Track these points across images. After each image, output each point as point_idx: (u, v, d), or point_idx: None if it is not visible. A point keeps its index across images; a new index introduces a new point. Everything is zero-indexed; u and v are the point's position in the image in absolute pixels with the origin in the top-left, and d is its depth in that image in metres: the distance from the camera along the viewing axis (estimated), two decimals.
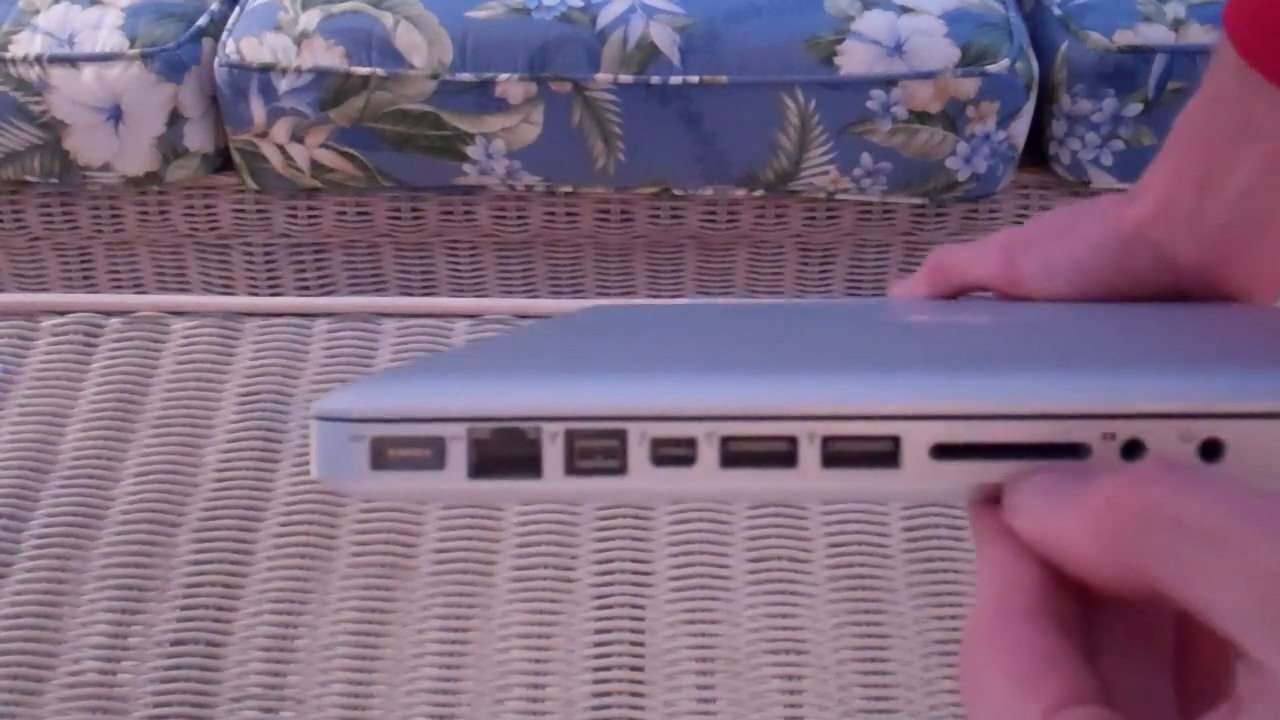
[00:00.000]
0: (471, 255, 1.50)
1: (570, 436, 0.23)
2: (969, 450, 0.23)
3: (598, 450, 0.23)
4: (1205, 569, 0.20)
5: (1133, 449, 0.23)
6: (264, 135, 1.37)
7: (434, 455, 0.23)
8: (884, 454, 0.23)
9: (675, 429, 0.23)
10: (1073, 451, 0.23)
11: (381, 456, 0.23)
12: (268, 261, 1.50)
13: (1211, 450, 0.23)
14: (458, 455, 0.23)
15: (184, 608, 0.56)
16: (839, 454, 0.23)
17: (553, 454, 0.23)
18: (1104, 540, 0.22)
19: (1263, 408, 0.22)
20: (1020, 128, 1.37)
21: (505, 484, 0.23)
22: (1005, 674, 0.22)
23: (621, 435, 0.23)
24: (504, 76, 1.34)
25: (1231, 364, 0.24)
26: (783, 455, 0.23)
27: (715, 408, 0.23)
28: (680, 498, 0.24)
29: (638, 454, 0.23)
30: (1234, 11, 0.38)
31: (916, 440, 0.23)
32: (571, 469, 0.23)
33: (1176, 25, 1.35)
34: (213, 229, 1.48)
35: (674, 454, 0.23)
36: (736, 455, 0.23)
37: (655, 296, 1.51)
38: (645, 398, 0.23)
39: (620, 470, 0.23)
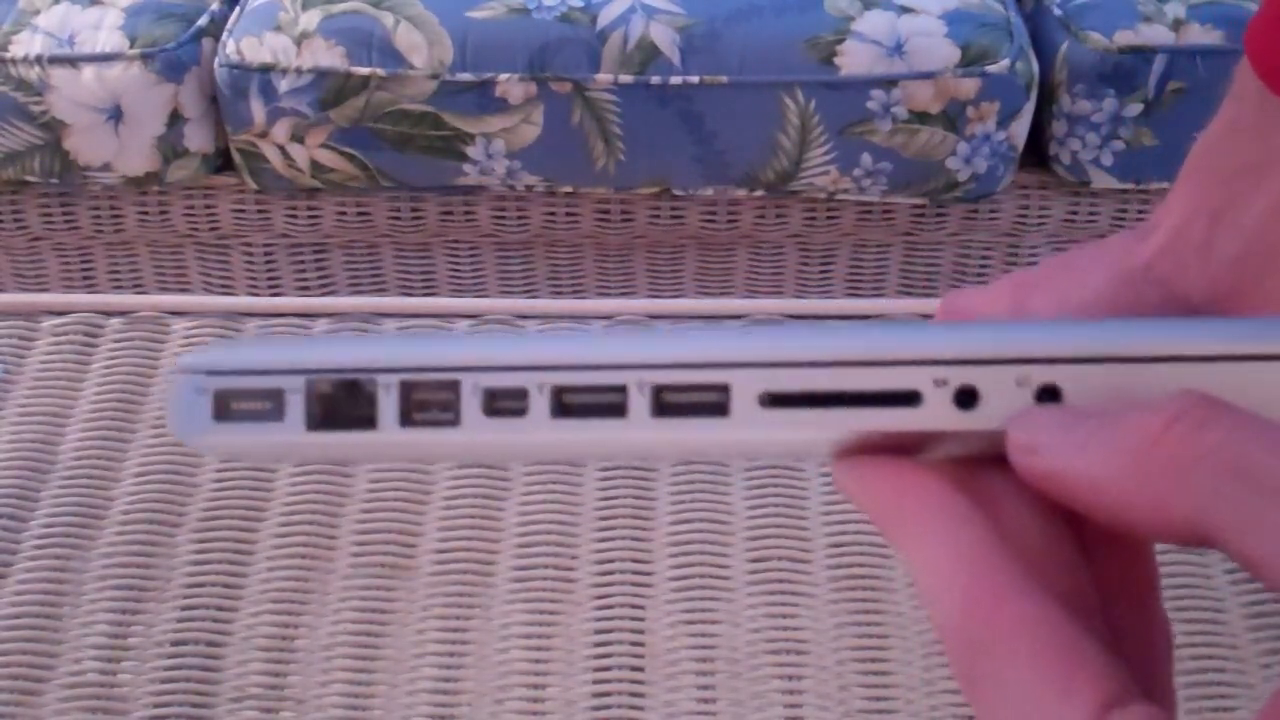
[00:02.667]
0: (471, 255, 1.50)
1: (405, 388, 0.23)
2: (798, 399, 0.23)
3: (432, 402, 0.23)
4: (1272, 521, 0.19)
5: (966, 396, 0.22)
6: (264, 135, 1.37)
7: (273, 407, 0.23)
8: (713, 404, 0.23)
9: (507, 379, 0.23)
10: (905, 400, 0.23)
11: (224, 408, 0.24)
12: (268, 262, 1.50)
13: (1048, 397, 0.22)
14: (296, 407, 0.23)
15: (184, 608, 0.56)
16: (669, 403, 0.23)
17: (388, 405, 0.23)
18: (1148, 482, 0.21)
19: (1097, 351, 0.22)
20: (1020, 128, 1.37)
21: (342, 436, 0.23)
22: (1031, 669, 0.21)
23: (455, 386, 0.23)
24: (504, 76, 1.34)
25: (1078, 320, 0.24)
26: (613, 406, 0.23)
27: (547, 358, 0.23)
28: (515, 452, 0.24)
29: (471, 405, 0.23)
30: (1256, 35, 0.38)
31: (745, 388, 0.23)
32: (407, 421, 0.23)
33: (1176, 25, 1.35)
34: (213, 229, 1.48)
35: (506, 405, 0.23)
36: (567, 406, 0.23)
37: (655, 296, 1.51)
38: (479, 350, 0.23)
39: (454, 422, 0.23)
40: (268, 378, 0.24)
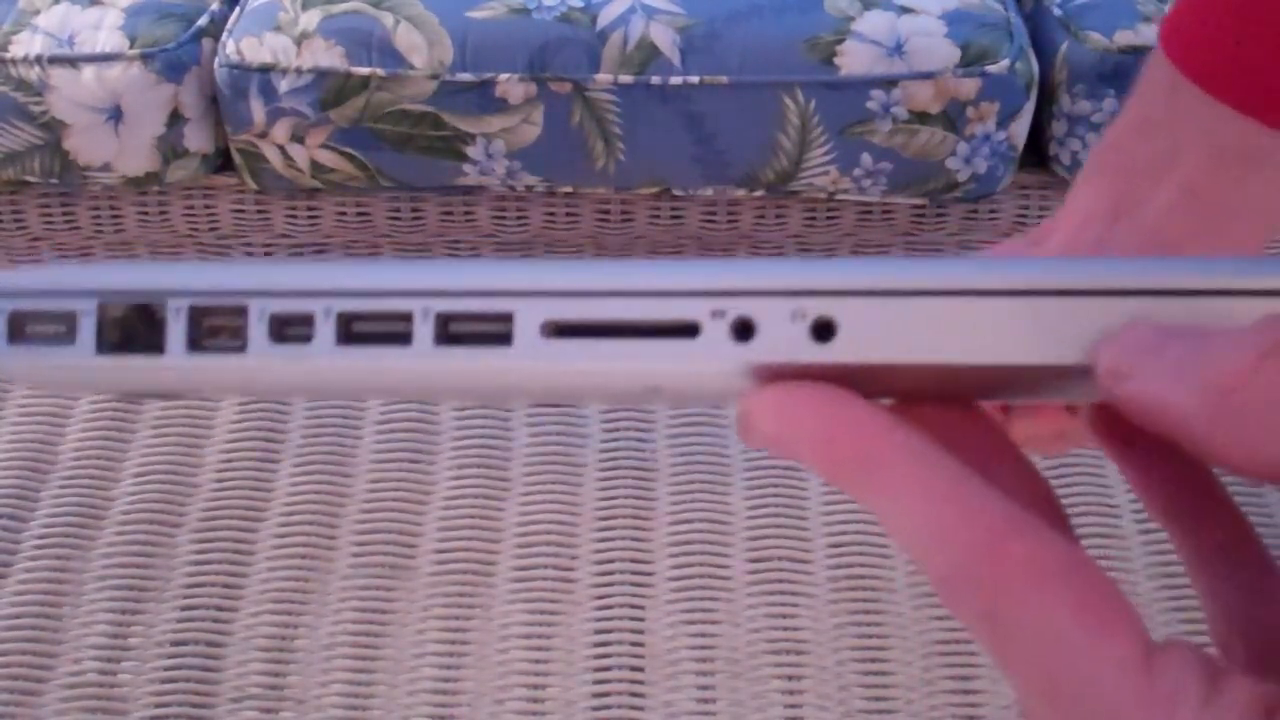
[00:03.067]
0: (471, 255, 1.50)
1: (194, 313, 0.23)
2: (579, 329, 0.22)
3: (220, 328, 0.23)
4: None
5: (743, 328, 0.22)
6: (264, 135, 1.37)
7: (65, 330, 0.23)
8: (497, 333, 0.23)
9: (294, 304, 0.23)
10: (683, 331, 0.22)
11: (18, 330, 0.24)
12: None
13: (824, 330, 0.22)
14: (87, 330, 0.23)
15: (184, 608, 0.56)
16: (453, 332, 0.23)
17: (176, 330, 0.23)
18: (1239, 422, 0.20)
19: (873, 284, 0.22)
20: (1020, 128, 1.37)
21: (130, 360, 0.23)
22: (1062, 607, 0.20)
23: (242, 311, 0.23)
24: (504, 76, 1.34)
25: (861, 259, 0.24)
26: (398, 334, 0.23)
27: (333, 285, 0.23)
28: (301, 380, 0.24)
29: (257, 330, 0.23)
30: (1171, 24, 0.38)
31: (528, 317, 0.22)
32: (195, 346, 0.23)
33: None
34: (213, 229, 1.48)
35: (293, 331, 0.23)
36: (353, 333, 0.23)
37: None
38: (267, 276, 0.23)
39: (241, 348, 0.23)
40: (62, 299, 0.23)
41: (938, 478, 0.22)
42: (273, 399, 0.59)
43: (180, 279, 0.23)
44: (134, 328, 0.23)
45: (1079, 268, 0.22)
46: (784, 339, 0.22)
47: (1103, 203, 0.38)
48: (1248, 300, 0.22)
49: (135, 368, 0.23)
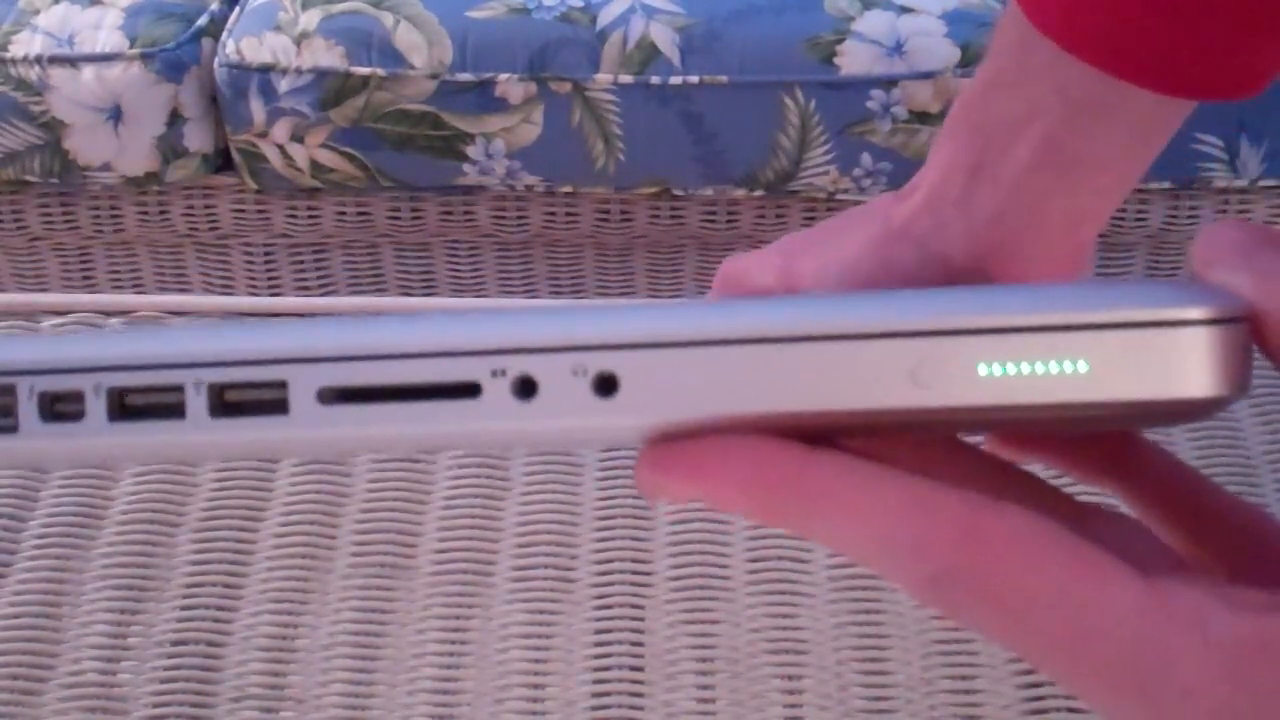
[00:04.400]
0: (471, 255, 1.50)
1: None
2: (357, 394, 0.22)
3: None
4: None
5: (525, 386, 0.21)
6: (264, 135, 1.37)
7: None
8: (272, 401, 0.22)
9: (62, 381, 0.22)
10: (465, 391, 0.21)
11: None
12: (268, 262, 1.50)
13: (606, 385, 0.21)
14: None
15: (184, 608, 0.56)
16: (227, 402, 0.22)
17: None
18: None
19: (653, 337, 0.21)
20: None
21: None
22: (1058, 568, 0.20)
23: (11, 390, 0.22)
24: (504, 76, 1.34)
25: (632, 307, 0.23)
26: (172, 406, 0.22)
27: (103, 357, 0.22)
28: (77, 457, 0.23)
29: (27, 409, 0.22)
30: None
31: (303, 384, 0.22)
32: None
33: None
34: (213, 229, 1.48)
35: (64, 409, 0.22)
36: (125, 408, 0.22)
37: (655, 296, 1.51)
38: (37, 351, 0.22)
39: (14, 428, 0.22)
40: None
41: (885, 489, 0.21)
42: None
43: None
44: None
45: (853, 308, 0.21)
46: (567, 397, 0.21)
47: (962, 158, 0.38)
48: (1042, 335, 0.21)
49: None
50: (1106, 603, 0.20)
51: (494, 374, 0.21)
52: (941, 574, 0.21)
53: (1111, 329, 0.21)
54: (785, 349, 0.21)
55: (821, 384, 0.21)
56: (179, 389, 0.22)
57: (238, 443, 0.22)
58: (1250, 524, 0.25)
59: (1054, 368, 0.21)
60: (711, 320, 0.21)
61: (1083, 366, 0.21)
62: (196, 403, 0.22)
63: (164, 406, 0.22)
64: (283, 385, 0.22)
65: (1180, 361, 0.21)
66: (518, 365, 0.21)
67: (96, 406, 0.22)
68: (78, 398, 0.22)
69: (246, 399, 0.22)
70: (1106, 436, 0.26)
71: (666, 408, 0.21)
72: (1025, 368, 0.21)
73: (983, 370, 0.21)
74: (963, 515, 0.21)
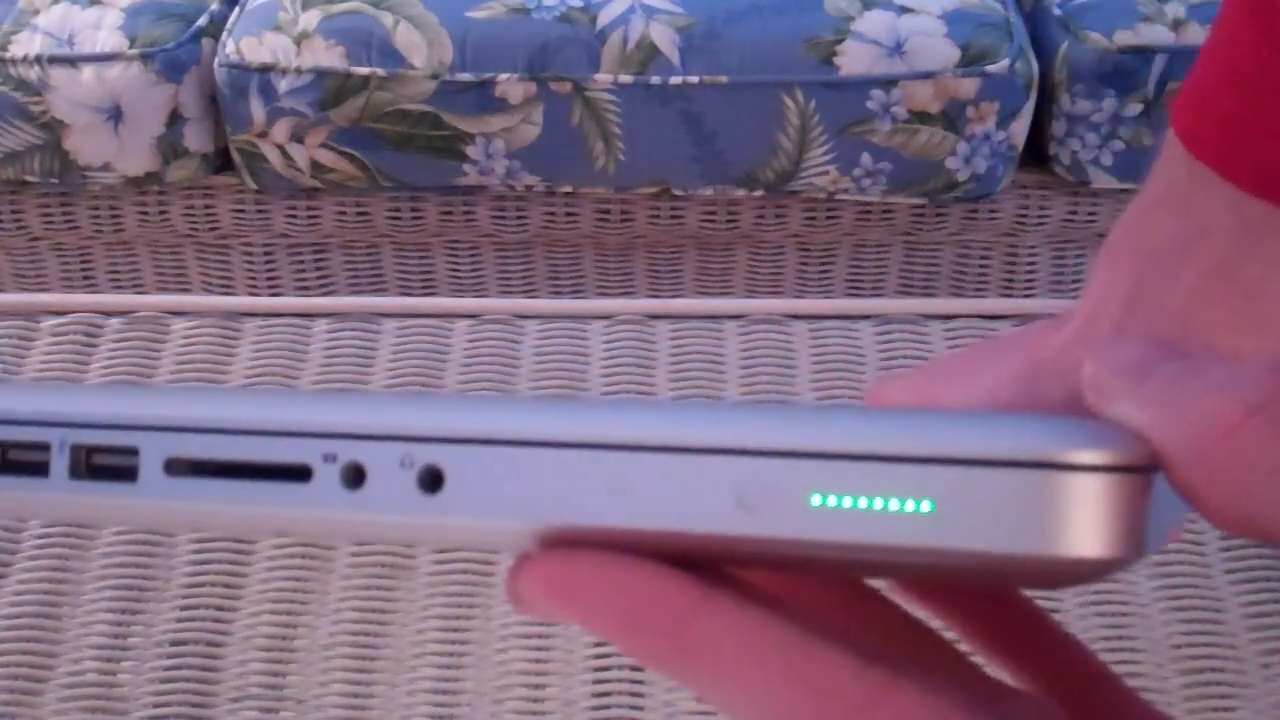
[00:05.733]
0: (471, 255, 1.50)
1: None
2: (199, 467, 0.21)
3: None
4: None
5: (354, 474, 0.20)
6: (264, 135, 1.37)
7: None
8: (124, 467, 0.21)
9: None
10: (296, 474, 0.21)
11: None
12: (267, 262, 1.50)
13: (432, 478, 0.20)
14: None
15: (184, 608, 0.56)
16: (86, 465, 0.22)
17: None
18: (1216, 472, 0.18)
19: (480, 433, 0.20)
20: (1020, 128, 1.37)
21: None
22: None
23: None
24: (504, 76, 1.34)
25: (468, 399, 0.22)
26: (38, 464, 0.22)
27: None
28: None
29: None
30: (1181, 106, 0.36)
31: (153, 452, 0.21)
32: None
33: (1176, 25, 1.35)
34: (212, 229, 1.48)
35: None
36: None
37: (655, 296, 1.51)
38: None
39: None
40: None
41: (771, 650, 0.19)
42: None
43: None
44: None
45: (683, 418, 0.20)
46: (393, 489, 0.20)
47: (1121, 283, 0.36)
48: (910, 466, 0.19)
49: None
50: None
51: (325, 458, 0.21)
52: None
53: (960, 465, 0.18)
54: (608, 457, 0.20)
55: (644, 500, 0.19)
56: (45, 447, 0.22)
57: (92, 505, 0.22)
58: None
59: (894, 505, 0.18)
60: (540, 419, 0.20)
61: (927, 507, 0.18)
62: (59, 463, 0.22)
63: (32, 464, 0.22)
64: (134, 452, 0.21)
65: (1046, 511, 0.18)
66: (349, 451, 0.20)
67: None
68: None
69: (101, 462, 0.22)
70: (1009, 606, 0.24)
71: (490, 509, 0.20)
72: (862, 502, 0.19)
73: (815, 501, 0.19)
74: (853, 697, 0.19)
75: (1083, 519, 0.18)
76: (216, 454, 0.21)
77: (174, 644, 0.55)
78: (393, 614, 0.56)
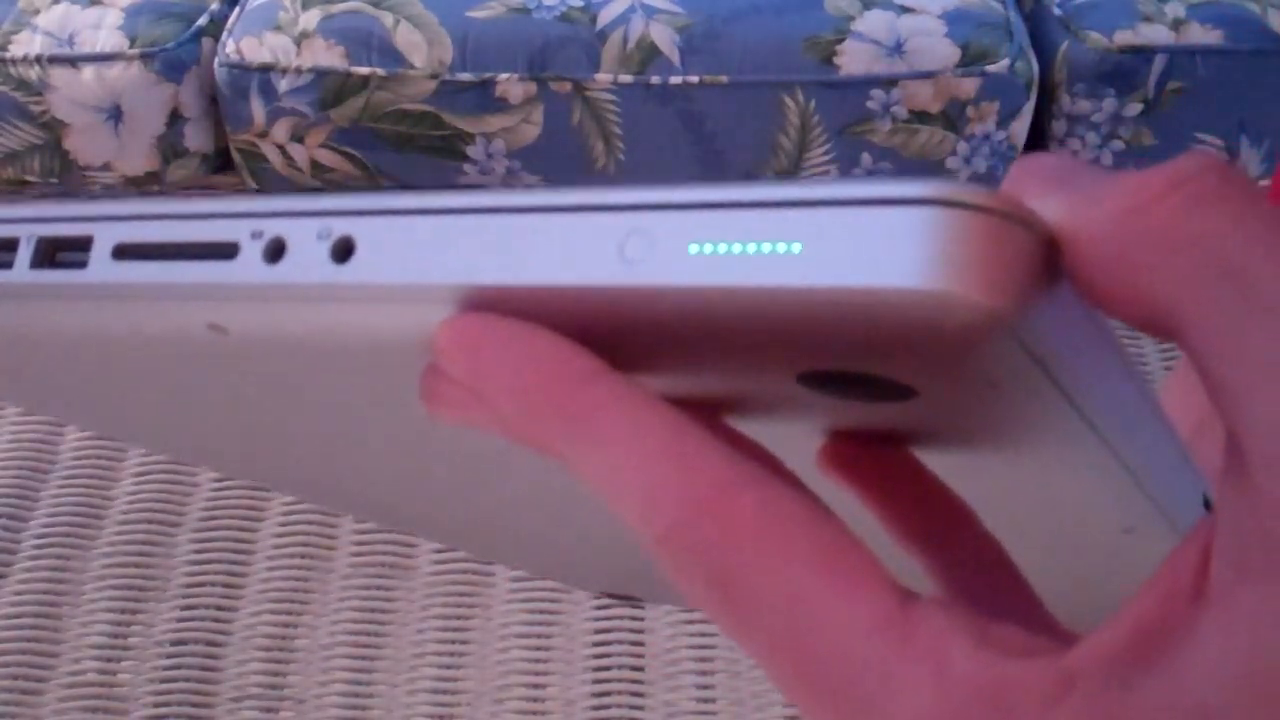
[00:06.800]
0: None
1: None
2: (142, 250, 0.23)
3: None
4: (1254, 345, 0.17)
5: (276, 248, 0.22)
6: (264, 135, 1.37)
7: None
8: (78, 259, 0.24)
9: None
10: (225, 251, 0.23)
11: None
12: None
13: (344, 248, 0.22)
14: None
15: (184, 608, 0.56)
16: (46, 256, 0.24)
17: None
18: (1127, 251, 0.17)
19: (390, 206, 0.22)
20: (1020, 127, 1.37)
21: None
22: (797, 563, 0.18)
23: None
24: (504, 76, 1.34)
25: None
26: (4, 261, 0.24)
27: None
28: None
29: None
30: None
31: (103, 240, 0.24)
32: None
33: (1176, 25, 1.35)
34: None
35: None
36: None
37: None
38: None
39: None
40: None
41: (652, 428, 0.19)
42: None
43: None
44: None
45: (572, 186, 0.21)
46: (309, 259, 0.22)
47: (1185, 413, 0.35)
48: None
49: None
50: (843, 614, 0.18)
51: (252, 235, 0.23)
52: (671, 533, 0.19)
53: (826, 206, 0.19)
54: (502, 219, 0.21)
55: (535, 257, 0.21)
56: (13, 242, 0.24)
57: (47, 291, 0.24)
58: (1004, 563, 0.23)
59: (766, 248, 0.19)
60: (442, 195, 0.22)
61: (796, 248, 0.19)
62: (24, 255, 0.24)
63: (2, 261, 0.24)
64: (88, 240, 0.24)
65: (904, 245, 0.18)
66: (273, 228, 0.22)
67: None
68: None
69: (60, 256, 0.24)
70: (936, 497, 0.24)
71: (395, 273, 0.21)
72: (736, 247, 0.19)
73: (693, 249, 0.20)
74: (718, 478, 0.19)
75: (941, 253, 0.18)
76: (158, 237, 0.23)
77: (174, 644, 0.55)
78: (393, 614, 0.56)
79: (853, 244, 0.18)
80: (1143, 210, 0.17)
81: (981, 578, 0.24)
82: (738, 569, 0.18)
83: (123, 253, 0.23)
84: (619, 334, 0.21)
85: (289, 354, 0.24)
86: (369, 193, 0.23)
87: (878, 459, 0.24)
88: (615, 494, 0.19)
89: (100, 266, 0.23)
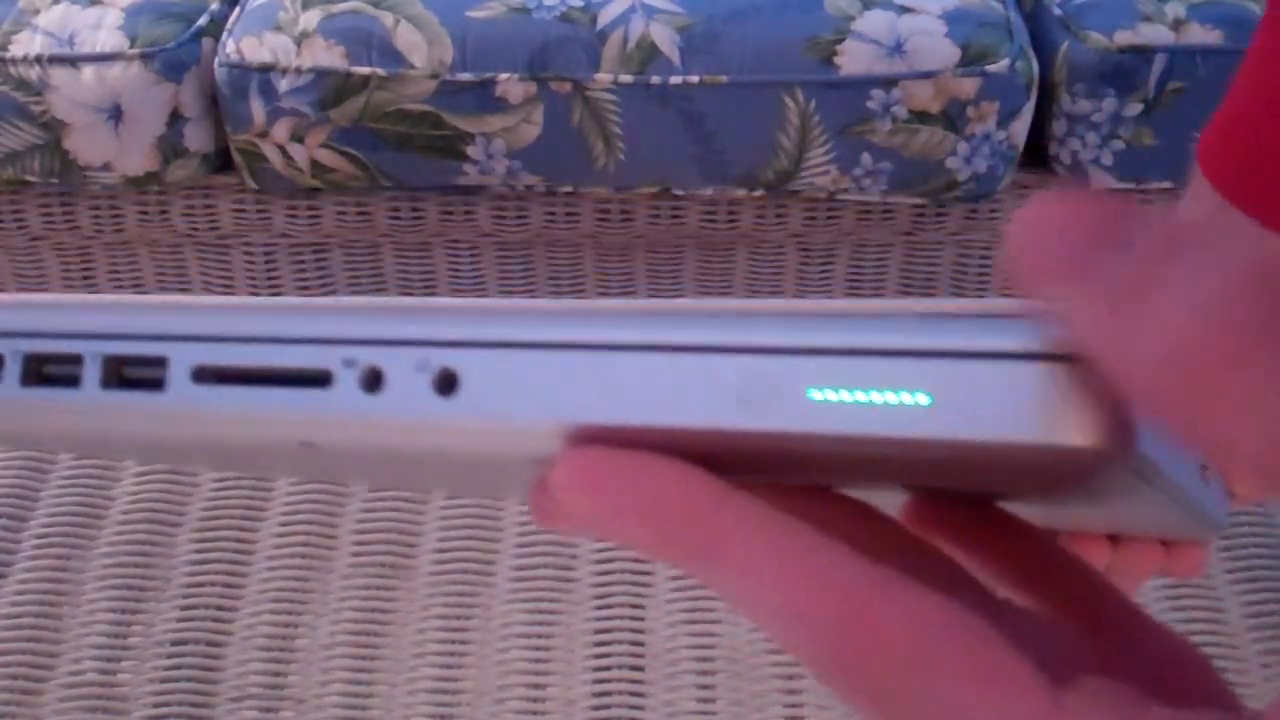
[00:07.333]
0: (471, 255, 1.50)
1: None
2: (227, 374, 0.23)
3: None
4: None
5: (372, 378, 0.22)
6: (264, 135, 1.37)
7: None
8: (154, 379, 0.23)
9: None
10: (318, 380, 0.22)
11: None
12: (268, 262, 1.50)
13: (447, 381, 0.21)
14: None
15: (184, 608, 0.56)
16: (116, 375, 0.23)
17: None
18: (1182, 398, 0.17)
19: (493, 337, 0.21)
20: (1020, 127, 1.37)
21: None
22: (953, 674, 0.18)
23: None
24: (504, 76, 1.34)
25: (480, 306, 0.23)
26: (71, 377, 0.23)
27: (17, 326, 0.24)
28: None
29: None
30: (1210, 149, 0.37)
31: (181, 361, 0.23)
32: None
33: (1176, 25, 1.35)
34: (213, 229, 1.48)
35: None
36: (32, 374, 0.23)
37: (655, 296, 1.51)
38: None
39: None
40: None
41: (788, 550, 0.19)
42: None
43: None
44: None
45: (685, 321, 0.21)
46: (410, 391, 0.21)
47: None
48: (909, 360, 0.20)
49: None
50: (1001, 714, 0.18)
51: (345, 363, 0.22)
52: (824, 660, 0.19)
53: (948, 359, 0.19)
54: (616, 358, 0.21)
55: (650, 397, 0.20)
56: (78, 359, 0.23)
57: (122, 413, 0.23)
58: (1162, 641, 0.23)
59: (890, 398, 0.19)
60: (550, 325, 0.21)
61: (923, 400, 0.19)
62: (91, 373, 0.23)
63: (66, 376, 0.23)
64: (163, 361, 0.23)
65: (1031, 399, 0.19)
66: (368, 356, 0.22)
67: (13, 369, 0.24)
68: None
69: (132, 374, 0.23)
70: (1018, 534, 0.24)
71: (501, 409, 0.21)
72: (860, 395, 0.19)
73: (814, 395, 0.20)
74: (857, 593, 0.19)
75: (1063, 407, 0.18)
76: (241, 362, 0.22)
77: (174, 644, 0.55)
78: (393, 614, 0.56)
79: (980, 399, 0.19)
80: (1180, 360, 0.17)
81: (1116, 635, 0.23)
82: (894, 686, 0.18)
83: (203, 375, 0.23)
84: (728, 460, 0.21)
85: (384, 458, 0.24)
86: (461, 316, 0.22)
87: (966, 515, 0.24)
88: (762, 619, 0.20)
89: (180, 390, 0.23)
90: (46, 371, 0.23)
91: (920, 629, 0.19)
